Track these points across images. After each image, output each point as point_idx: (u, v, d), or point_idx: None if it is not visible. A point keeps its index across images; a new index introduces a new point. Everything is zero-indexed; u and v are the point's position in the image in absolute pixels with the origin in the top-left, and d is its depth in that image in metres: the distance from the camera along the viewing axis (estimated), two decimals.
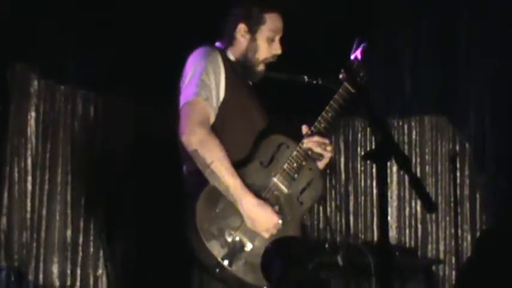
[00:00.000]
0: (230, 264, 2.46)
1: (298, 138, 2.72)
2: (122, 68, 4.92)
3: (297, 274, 2.74)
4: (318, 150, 2.71)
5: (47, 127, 4.87)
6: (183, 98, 2.64)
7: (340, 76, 2.73)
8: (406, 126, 5.37)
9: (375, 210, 5.45)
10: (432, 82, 5.14)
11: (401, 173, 5.28)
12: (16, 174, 4.71)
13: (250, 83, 2.87)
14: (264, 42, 2.77)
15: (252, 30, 2.76)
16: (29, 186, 4.77)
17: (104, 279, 4.99)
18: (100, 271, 5.02)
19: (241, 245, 2.51)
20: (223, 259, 2.46)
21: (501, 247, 4.39)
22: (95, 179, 5.02)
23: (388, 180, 5.26)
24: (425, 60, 5.15)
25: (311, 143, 2.71)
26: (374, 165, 5.02)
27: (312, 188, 2.69)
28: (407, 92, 5.28)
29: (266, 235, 2.54)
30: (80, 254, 4.94)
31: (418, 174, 5.13)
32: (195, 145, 2.53)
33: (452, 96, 5.09)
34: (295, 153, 2.66)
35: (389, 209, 5.24)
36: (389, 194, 5.25)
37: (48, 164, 4.85)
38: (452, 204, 5.04)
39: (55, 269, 4.83)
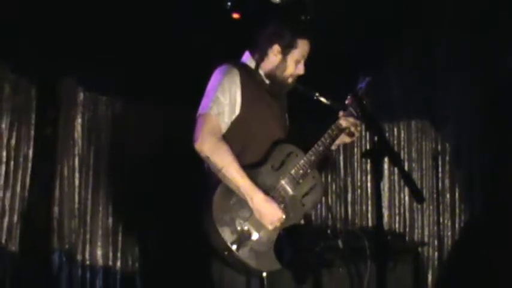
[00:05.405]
0: (238, 249, 2.54)
1: (309, 146, 2.80)
2: (153, 80, 5.22)
3: (306, 256, 2.96)
4: (352, 129, 2.84)
5: (91, 132, 5.23)
6: (199, 110, 2.74)
7: (347, 101, 2.87)
8: (395, 129, 5.61)
9: (369, 201, 5.68)
10: (417, 92, 5.34)
11: (391, 168, 5.48)
12: (66, 172, 5.06)
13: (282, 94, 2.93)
14: (292, 63, 2.83)
15: (285, 52, 2.81)
16: (77, 182, 5.12)
17: (141, 260, 5.34)
18: (137, 254, 5.36)
19: (249, 234, 2.59)
20: (232, 244, 2.54)
21: (482, 237, 4.65)
22: (129, 175, 5.34)
23: None
24: (411, 74, 5.34)
25: (346, 122, 2.84)
26: (369, 163, 5.46)
27: (313, 193, 2.77)
28: (396, 100, 5.46)
29: (270, 227, 2.63)
30: (120, 239, 5.31)
31: (406, 170, 4.94)
32: (207, 152, 2.62)
33: (434, 104, 5.29)
34: (302, 161, 2.73)
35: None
36: (381, 186, 4.99)
37: (92, 162, 5.21)
38: (435, 195, 5.23)
39: (99, 251, 5.19)
